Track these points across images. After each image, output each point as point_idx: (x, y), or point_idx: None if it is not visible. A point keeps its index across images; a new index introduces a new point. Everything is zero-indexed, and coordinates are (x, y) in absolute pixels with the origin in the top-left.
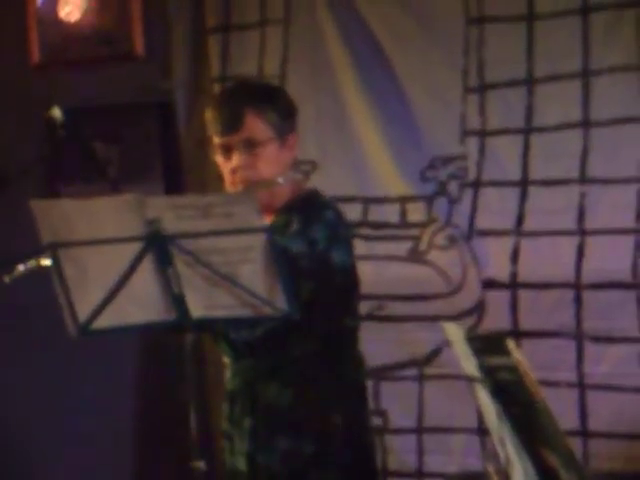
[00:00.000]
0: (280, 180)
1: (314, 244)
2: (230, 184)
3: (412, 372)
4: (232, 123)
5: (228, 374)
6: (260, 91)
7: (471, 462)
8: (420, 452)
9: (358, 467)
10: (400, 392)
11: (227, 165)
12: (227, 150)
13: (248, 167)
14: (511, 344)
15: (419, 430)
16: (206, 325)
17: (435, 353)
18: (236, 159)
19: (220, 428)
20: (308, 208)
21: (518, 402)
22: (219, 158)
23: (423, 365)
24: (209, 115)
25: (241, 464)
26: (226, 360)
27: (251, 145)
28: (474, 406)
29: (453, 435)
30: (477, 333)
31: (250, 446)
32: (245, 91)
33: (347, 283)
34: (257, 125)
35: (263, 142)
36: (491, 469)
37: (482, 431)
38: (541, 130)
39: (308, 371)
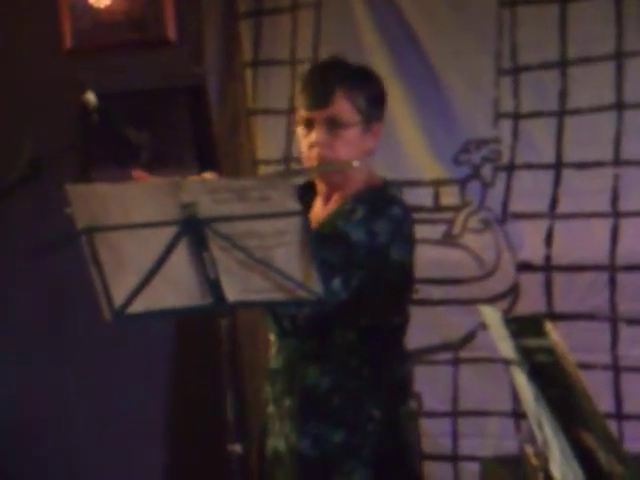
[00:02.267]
0: (355, 163)
1: (375, 236)
2: (306, 159)
3: (446, 355)
4: (320, 99)
5: (272, 351)
6: (354, 73)
7: (506, 445)
8: (455, 435)
9: (391, 464)
10: (435, 375)
11: (306, 139)
12: (309, 124)
13: (326, 145)
14: (549, 325)
15: (454, 413)
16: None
17: (469, 336)
18: (316, 135)
19: (256, 411)
20: (376, 200)
21: (555, 384)
22: (300, 130)
23: (457, 348)
24: (299, 86)
25: (280, 444)
26: (272, 337)
27: (334, 124)
28: (509, 389)
29: (488, 418)
30: (514, 315)
31: (289, 427)
32: (339, 69)
33: (401, 281)
34: (344, 106)
35: (346, 124)
36: (529, 451)
37: (517, 414)
38: (574, 112)
39: (349, 361)
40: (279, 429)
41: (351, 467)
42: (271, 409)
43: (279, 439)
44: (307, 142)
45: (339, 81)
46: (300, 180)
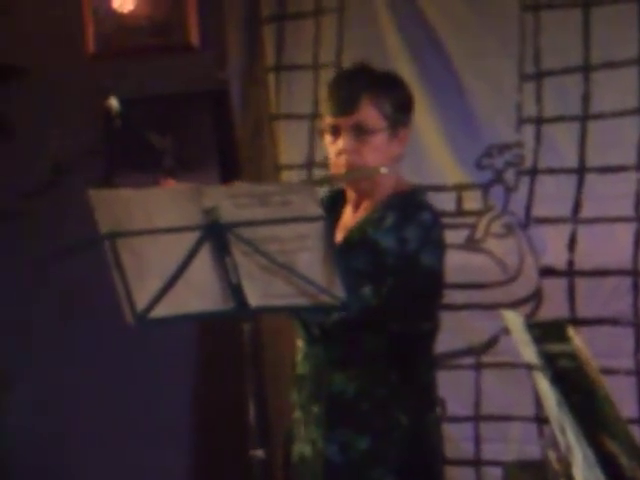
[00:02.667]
0: (383, 170)
1: (405, 243)
2: (333, 166)
3: (469, 360)
4: (346, 105)
5: (299, 357)
6: (380, 79)
7: (529, 450)
8: (477, 440)
9: (416, 471)
10: (457, 380)
11: (333, 146)
12: (336, 131)
13: (354, 152)
14: (571, 331)
15: (476, 418)
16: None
17: (492, 341)
18: (343, 142)
19: (279, 416)
20: (406, 206)
21: (578, 389)
22: (327, 138)
23: (480, 353)
24: (324, 93)
25: (308, 450)
26: (299, 343)
27: (361, 131)
28: (531, 394)
29: (510, 423)
30: (537, 320)
31: (315, 433)
32: (365, 76)
33: (431, 287)
34: (370, 113)
35: (373, 130)
36: (552, 456)
37: (540, 419)
38: (597, 117)
39: (377, 367)
40: (305, 435)
41: (377, 474)
42: (298, 415)
43: (305, 445)
44: (334, 149)
45: (365, 87)
46: (330, 188)
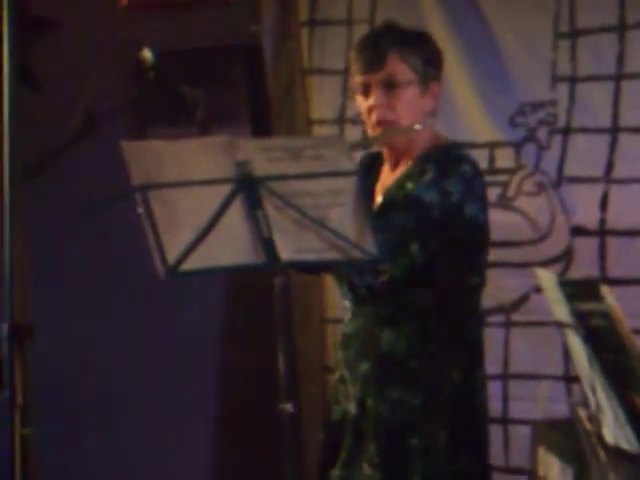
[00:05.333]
0: (417, 127)
1: (448, 196)
2: (369, 127)
3: (499, 318)
4: (374, 62)
5: (347, 317)
6: (406, 36)
7: (557, 409)
8: (505, 399)
9: (466, 427)
10: (487, 338)
11: (365, 104)
12: (366, 89)
13: (385, 107)
14: (605, 290)
15: (505, 377)
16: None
17: (522, 300)
18: (374, 98)
19: (308, 371)
20: (445, 159)
21: (610, 348)
22: (359, 97)
23: (510, 312)
24: (352, 54)
25: (352, 408)
26: (346, 304)
27: (391, 85)
28: (560, 353)
29: (539, 382)
30: (570, 279)
31: (362, 391)
32: (391, 33)
33: (477, 240)
34: (399, 66)
35: (403, 84)
36: (582, 415)
37: (568, 378)
38: (632, 77)
39: (427, 323)
40: (351, 393)
41: (429, 431)
42: (343, 373)
43: (351, 403)
44: (366, 106)
45: (392, 43)
46: (367, 150)
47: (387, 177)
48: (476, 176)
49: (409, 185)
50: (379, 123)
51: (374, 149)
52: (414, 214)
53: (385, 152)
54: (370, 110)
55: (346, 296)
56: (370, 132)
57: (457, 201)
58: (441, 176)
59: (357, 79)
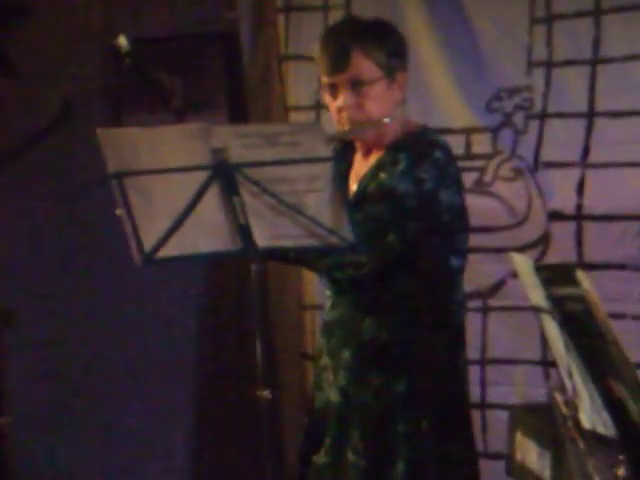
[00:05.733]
0: (386, 120)
1: (421, 183)
2: (337, 123)
3: (476, 304)
4: (338, 63)
5: (327, 304)
6: (368, 30)
7: (535, 393)
8: (483, 383)
9: (451, 411)
10: None
11: (334, 104)
12: (334, 89)
13: (354, 106)
14: (581, 274)
15: (482, 362)
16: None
17: (499, 285)
18: (342, 98)
19: (286, 358)
20: (417, 146)
21: (586, 333)
22: (326, 97)
23: (487, 297)
24: (316, 53)
25: (334, 396)
26: (327, 292)
27: (358, 84)
28: (537, 337)
29: (516, 366)
30: (546, 263)
31: (345, 379)
32: (352, 29)
33: (455, 223)
34: (364, 64)
35: (370, 81)
36: (559, 399)
37: (545, 362)
38: (608, 61)
39: (410, 309)
40: (334, 381)
41: (414, 416)
42: (325, 361)
43: (333, 390)
44: (335, 107)
45: (354, 40)
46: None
47: (360, 165)
48: (449, 161)
49: (382, 175)
50: (349, 123)
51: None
52: (389, 205)
53: (357, 142)
54: (340, 110)
55: (327, 287)
56: (337, 128)
57: (431, 188)
58: (414, 164)
59: (323, 79)
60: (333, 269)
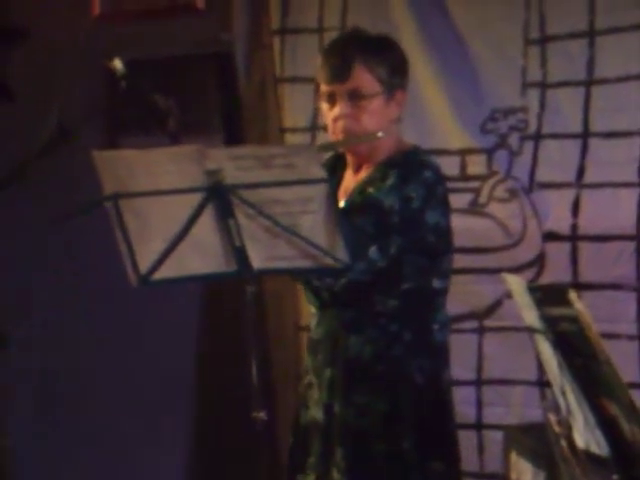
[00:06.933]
0: (380, 134)
1: (408, 201)
2: (331, 133)
3: (472, 324)
4: (339, 73)
5: (313, 323)
6: (372, 44)
7: (531, 414)
8: (479, 404)
9: (434, 430)
10: (459, 344)
11: (330, 113)
12: (332, 98)
13: (350, 118)
14: (573, 295)
15: (479, 382)
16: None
17: (495, 305)
18: (339, 108)
19: (283, 379)
20: (407, 165)
21: (580, 353)
22: (324, 105)
23: (482, 317)
24: (318, 61)
25: (319, 414)
26: (312, 310)
27: (356, 97)
28: (533, 358)
29: (513, 387)
30: (539, 284)
31: (328, 397)
32: (357, 41)
33: (439, 244)
34: (364, 78)
35: (368, 95)
36: (552, 419)
37: (542, 383)
38: (602, 82)
39: (391, 327)
40: (318, 399)
41: (396, 434)
42: (311, 379)
43: (318, 409)
44: (331, 116)
45: (357, 53)
46: (330, 152)
47: (349, 181)
48: (438, 181)
49: (370, 190)
50: (344, 133)
51: (338, 152)
52: (373, 218)
53: (348, 157)
54: (335, 120)
55: (311, 302)
56: (331, 138)
57: (418, 207)
58: (402, 182)
59: (322, 88)
60: (312, 277)
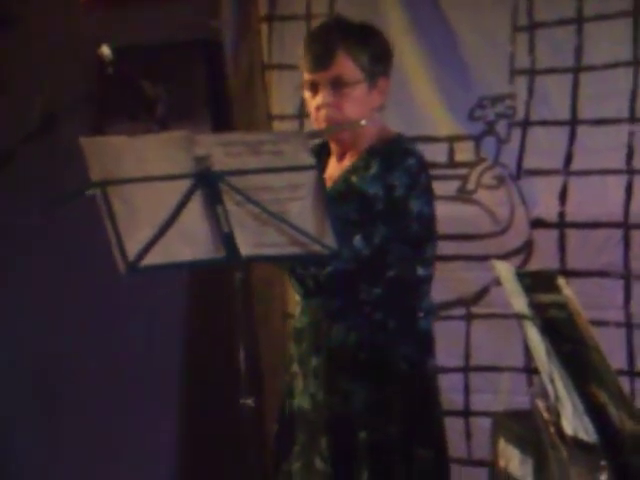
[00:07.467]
0: (363, 122)
1: (392, 189)
2: (314, 121)
3: (459, 311)
4: (322, 61)
5: (297, 311)
6: (354, 31)
7: (518, 400)
8: (467, 391)
9: (420, 418)
10: (447, 331)
11: (313, 101)
12: (314, 87)
13: (333, 106)
14: (562, 281)
15: (466, 369)
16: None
17: (482, 292)
18: (322, 96)
19: (270, 366)
20: (391, 153)
21: (568, 339)
22: (306, 94)
23: (470, 304)
24: (300, 50)
25: (306, 403)
26: (297, 298)
27: (339, 85)
28: (521, 345)
29: (500, 374)
30: (527, 270)
31: (314, 385)
32: (339, 29)
33: (423, 232)
34: (347, 65)
35: (351, 83)
36: (540, 406)
37: (529, 370)
38: (590, 69)
39: (375, 315)
40: (304, 387)
41: (381, 422)
42: (295, 368)
43: (304, 397)
44: (314, 104)
45: (339, 41)
46: (313, 141)
47: (333, 168)
48: (421, 169)
49: (353, 178)
50: (327, 121)
51: (321, 140)
52: (357, 205)
53: (332, 144)
54: (318, 108)
55: (296, 290)
56: (314, 126)
57: (401, 195)
58: (386, 170)
59: (305, 76)
60: (297, 266)
